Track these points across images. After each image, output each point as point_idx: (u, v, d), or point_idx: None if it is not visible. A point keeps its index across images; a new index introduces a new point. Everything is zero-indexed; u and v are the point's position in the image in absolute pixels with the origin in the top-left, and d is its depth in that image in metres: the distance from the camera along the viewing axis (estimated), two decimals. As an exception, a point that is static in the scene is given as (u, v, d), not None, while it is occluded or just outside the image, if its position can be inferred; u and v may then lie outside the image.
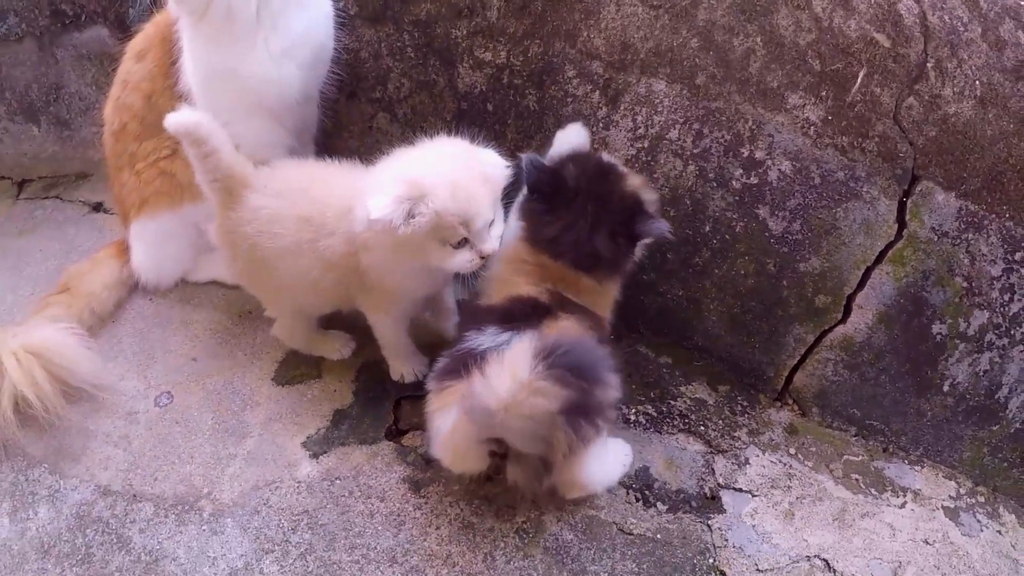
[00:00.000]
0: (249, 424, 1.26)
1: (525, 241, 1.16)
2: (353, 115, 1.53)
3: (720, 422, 1.32)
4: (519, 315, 1.07)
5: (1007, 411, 1.31)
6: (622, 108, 1.34)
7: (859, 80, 1.22)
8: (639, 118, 1.34)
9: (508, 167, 1.09)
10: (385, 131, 1.51)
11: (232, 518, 1.13)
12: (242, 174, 1.17)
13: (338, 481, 1.19)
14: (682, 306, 1.41)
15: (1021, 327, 1.27)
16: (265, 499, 1.16)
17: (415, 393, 1.23)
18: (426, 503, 1.17)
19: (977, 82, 1.20)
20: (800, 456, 1.30)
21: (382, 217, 0.98)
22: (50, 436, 1.25)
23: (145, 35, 1.39)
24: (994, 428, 1.32)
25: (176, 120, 1.10)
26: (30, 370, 1.25)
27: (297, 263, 1.14)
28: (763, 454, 1.29)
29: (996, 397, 1.30)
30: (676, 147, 1.33)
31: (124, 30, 1.65)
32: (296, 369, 1.33)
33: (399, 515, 1.15)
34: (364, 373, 1.32)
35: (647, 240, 1.16)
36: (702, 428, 1.30)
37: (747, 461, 1.27)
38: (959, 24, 1.20)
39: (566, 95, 1.35)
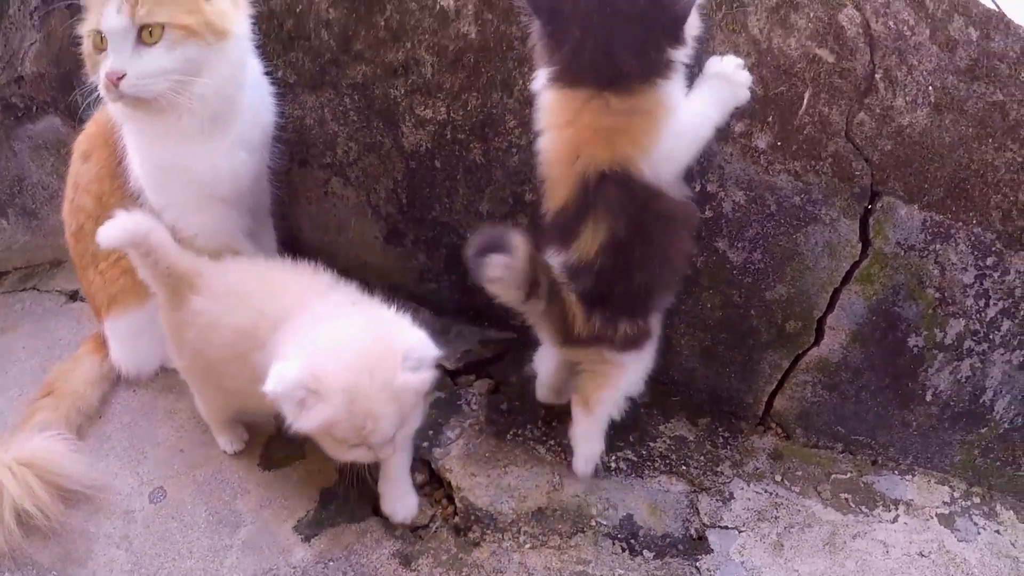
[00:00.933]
0: (241, 513, 1.29)
1: (555, 85, 1.05)
2: (307, 182, 1.52)
3: (702, 458, 1.32)
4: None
5: (994, 413, 1.28)
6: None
7: (805, 101, 1.17)
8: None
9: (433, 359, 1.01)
10: (340, 195, 1.50)
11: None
12: (187, 273, 1.16)
13: (331, 563, 1.22)
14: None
15: (1000, 330, 1.23)
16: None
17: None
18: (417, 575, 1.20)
19: (930, 87, 1.14)
20: (786, 482, 1.30)
21: (276, 392, 0.94)
22: (55, 543, 1.28)
23: (88, 135, 1.39)
24: (983, 431, 1.30)
25: (105, 236, 1.11)
26: (26, 482, 1.28)
27: (240, 372, 1.10)
28: (748, 486, 1.28)
29: (981, 401, 1.28)
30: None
31: (76, 118, 1.65)
32: (280, 452, 1.35)
33: (392, 591, 1.18)
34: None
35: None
36: (684, 467, 1.30)
37: (732, 496, 1.27)
38: (905, 28, 1.13)
39: (511, 145, 1.32)
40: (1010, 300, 1.21)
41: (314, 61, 1.41)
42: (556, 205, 1.10)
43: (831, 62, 1.15)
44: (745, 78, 1.08)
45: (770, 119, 1.19)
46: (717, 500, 1.26)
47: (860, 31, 1.14)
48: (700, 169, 1.24)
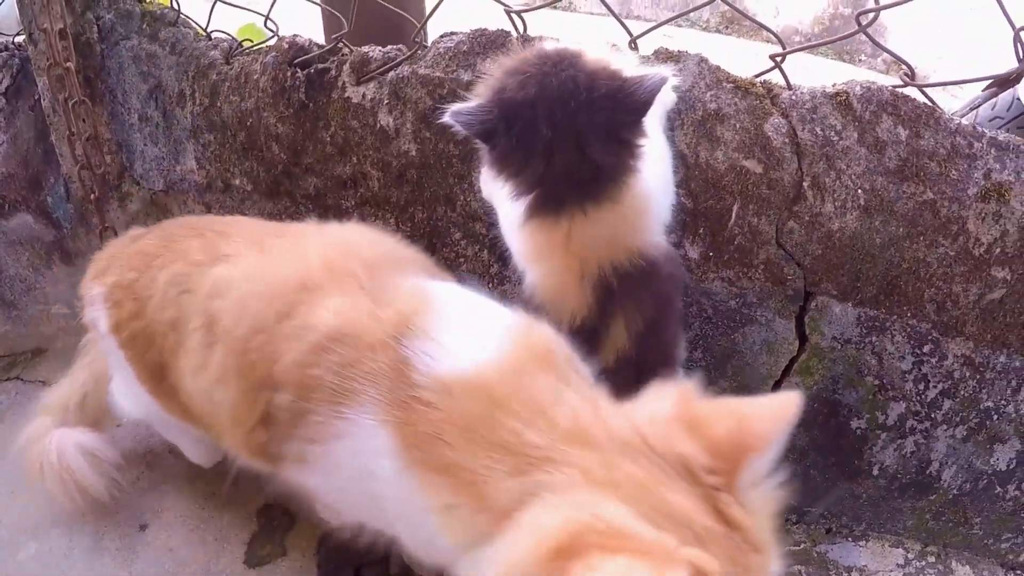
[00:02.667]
0: (230, 608, 1.39)
1: (532, 219, 0.97)
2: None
3: None
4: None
5: (941, 482, 1.33)
6: (511, 265, 1.34)
7: (733, 214, 1.19)
8: (532, 268, 1.34)
9: None
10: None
11: None
12: None
13: None
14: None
15: (941, 409, 1.27)
16: None
17: (371, 558, 1.33)
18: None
19: (859, 191, 1.15)
20: (740, 558, 1.36)
21: None
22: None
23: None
24: (932, 498, 1.34)
25: None
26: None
27: None
28: None
29: (928, 472, 1.32)
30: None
31: (47, 216, 1.71)
32: (263, 549, 1.44)
33: None
34: (324, 545, 1.43)
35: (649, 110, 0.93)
36: None
37: None
38: (832, 134, 1.14)
39: (458, 255, 1.36)
40: (949, 382, 1.24)
41: (268, 172, 1.44)
42: (574, 325, 1.02)
43: (759, 173, 1.16)
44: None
45: (701, 231, 1.21)
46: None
47: (787, 140, 1.15)
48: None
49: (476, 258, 1.34)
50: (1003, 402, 1.24)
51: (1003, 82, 1.78)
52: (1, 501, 1.56)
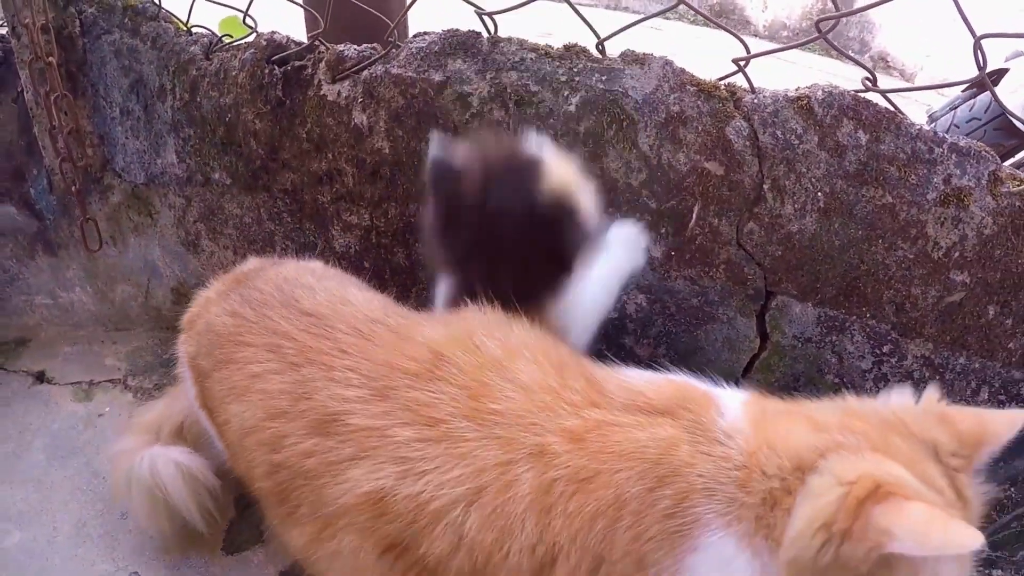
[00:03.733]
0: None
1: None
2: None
3: None
4: None
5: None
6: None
7: (694, 215, 1.21)
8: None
9: None
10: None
11: None
12: None
13: None
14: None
15: (900, 410, 1.29)
16: None
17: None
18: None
19: (819, 193, 1.18)
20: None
21: None
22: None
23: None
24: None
25: None
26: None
27: None
28: None
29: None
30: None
31: (30, 208, 1.74)
32: (241, 535, 1.48)
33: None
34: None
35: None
36: None
37: None
38: (793, 138, 1.16)
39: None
40: (909, 381, 1.27)
41: (247, 166, 1.47)
42: None
43: (720, 175, 1.19)
44: (643, 244, 1.15)
45: (663, 231, 1.24)
46: None
47: (748, 143, 1.17)
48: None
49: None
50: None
51: (980, 84, 1.80)
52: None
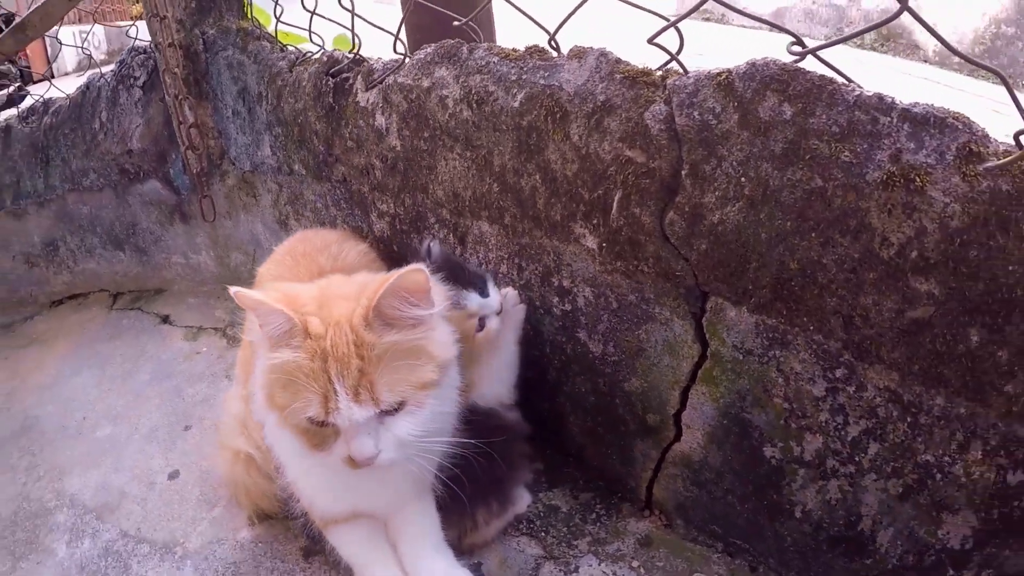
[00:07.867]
0: (215, 500, 1.64)
1: None
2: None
3: (565, 529, 1.35)
4: None
5: (877, 544, 1.10)
6: (468, 247, 1.46)
7: (615, 203, 1.17)
8: (480, 255, 1.45)
9: None
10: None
11: (191, 560, 1.47)
12: None
13: (260, 544, 1.46)
14: (551, 417, 1.46)
15: (867, 454, 1.06)
16: (214, 551, 1.49)
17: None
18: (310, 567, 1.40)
19: (743, 179, 1.04)
20: (643, 570, 1.27)
21: None
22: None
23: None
24: (868, 562, 1.12)
25: None
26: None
27: None
28: (598, 564, 1.28)
29: (859, 529, 1.11)
30: (508, 279, 1.41)
31: (170, 184, 2.24)
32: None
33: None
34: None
35: None
36: (543, 533, 1.35)
37: (576, 569, 1.28)
38: (711, 117, 1.04)
39: (434, 238, 1.52)
40: (874, 420, 1.04)
41: (314, 159, 1.76)
42: None
43: (641, 162, 1.13)
44: (521, 310, 1.37)
45: (595, 221, 1.21)
46: (562, 570, 1.29)
47: (664, 127, 1.09)
48: (555, 266, 1.31)
49: (446, 240, 1.49)
50: (947, 459, 1.00)
51: None
52: (95, 396, 2.03)
